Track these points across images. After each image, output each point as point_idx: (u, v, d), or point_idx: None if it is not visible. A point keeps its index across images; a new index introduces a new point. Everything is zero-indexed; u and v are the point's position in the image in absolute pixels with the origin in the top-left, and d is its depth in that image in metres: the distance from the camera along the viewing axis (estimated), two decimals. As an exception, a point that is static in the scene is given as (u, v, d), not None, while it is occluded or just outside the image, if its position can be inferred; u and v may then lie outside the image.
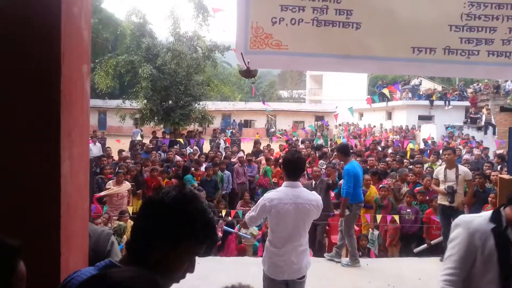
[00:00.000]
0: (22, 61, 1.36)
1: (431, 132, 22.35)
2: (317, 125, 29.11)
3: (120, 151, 11.62)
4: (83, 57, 1.53)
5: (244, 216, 3.27)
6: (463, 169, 6.54)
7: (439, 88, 28.94)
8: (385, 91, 15.11)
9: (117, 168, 8.92)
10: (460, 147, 15.13)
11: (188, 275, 1.14)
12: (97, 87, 18.27)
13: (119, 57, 18.18)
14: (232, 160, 11.32)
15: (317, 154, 12.13)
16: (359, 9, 1.84)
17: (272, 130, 32.42)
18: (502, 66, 1.84)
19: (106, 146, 13.52)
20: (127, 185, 8.07)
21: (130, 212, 7.49)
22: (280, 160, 7.37)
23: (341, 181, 6.59)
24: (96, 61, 18.73)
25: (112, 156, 11.24)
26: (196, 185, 9.30)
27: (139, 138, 18.83)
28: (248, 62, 1.78)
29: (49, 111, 1.35)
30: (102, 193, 7.72)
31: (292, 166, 3.11)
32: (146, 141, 16.46)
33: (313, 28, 1.82)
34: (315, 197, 3.18)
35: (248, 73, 1.82)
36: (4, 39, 1.36)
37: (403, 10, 1.84)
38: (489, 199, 6.96)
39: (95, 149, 14.19)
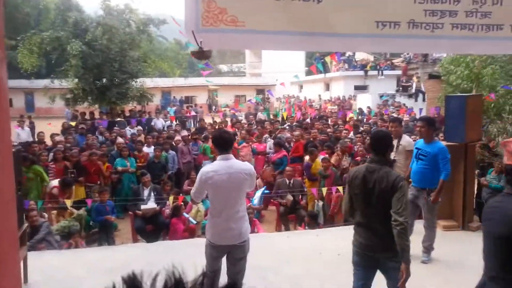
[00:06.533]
0: None
1: (366, 101, 23.23)
2: (261, 97, 29.14)
3: (52, 135, 10.78)
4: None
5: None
6: (406, 139, 5.99)
7: (372, 58, 29.89)
8: (327, 59, 15.38)
9: (53, 154, 8.36)
10: (394, 114, 15.93)
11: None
12: (21, 66, 16.64)
13: (43, 34, 16.62)
14: (175, 138, 10.98)
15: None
16: (320, -21, 1.68)
17: (214, 107, 32.00)
18: (466, 40, 1.79)
19: (38, 131, 12.50)
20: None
21: (68, 203, 7.03)
22: (210, 139, 7.84)
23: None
24: (18, 38, 17.01)
25: (45, 142, 10.41)
26: (135, 169, 8.98)
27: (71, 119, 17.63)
28: (200, 42, 1.55)
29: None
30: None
31: (222, 142, 3.47)
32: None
33: (272, 2, 1.64)
34: (248, 166, 3.63)
35: (201, 54, 1.57)
36: None
37: (366, -19, 1.71)
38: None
39: (24, 134, 13.31)
